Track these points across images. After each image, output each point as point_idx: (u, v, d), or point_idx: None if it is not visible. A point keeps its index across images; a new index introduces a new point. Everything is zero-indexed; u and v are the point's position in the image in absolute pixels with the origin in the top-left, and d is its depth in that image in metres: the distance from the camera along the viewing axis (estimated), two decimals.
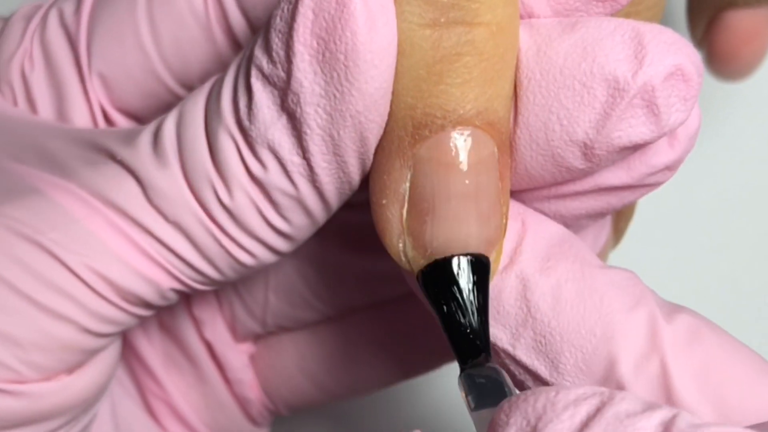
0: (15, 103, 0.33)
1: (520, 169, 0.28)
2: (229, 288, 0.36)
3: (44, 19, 0.33)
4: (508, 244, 0.27)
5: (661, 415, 0.22)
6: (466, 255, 0.26)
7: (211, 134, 0.28)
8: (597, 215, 0.29)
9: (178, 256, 0.29)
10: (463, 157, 0.26)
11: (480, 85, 0.26)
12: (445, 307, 0.26)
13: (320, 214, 0.28)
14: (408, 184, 0.26)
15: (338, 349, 0.36)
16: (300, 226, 0.28)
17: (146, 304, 0.30)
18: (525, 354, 0.27)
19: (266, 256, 0.29)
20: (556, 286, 0.27)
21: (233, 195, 0.28)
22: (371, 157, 0.27)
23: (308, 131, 0.27)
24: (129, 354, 0.36)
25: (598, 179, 0.28)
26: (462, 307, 0.26)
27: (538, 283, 0.27)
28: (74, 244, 0.28)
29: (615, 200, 0.29)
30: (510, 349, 0.27)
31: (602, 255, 0.35)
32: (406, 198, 0.27)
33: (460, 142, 0.26)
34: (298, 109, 0.26)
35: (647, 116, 0.26)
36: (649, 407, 0.22)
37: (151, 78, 0.32)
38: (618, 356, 0.26)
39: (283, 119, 0.27)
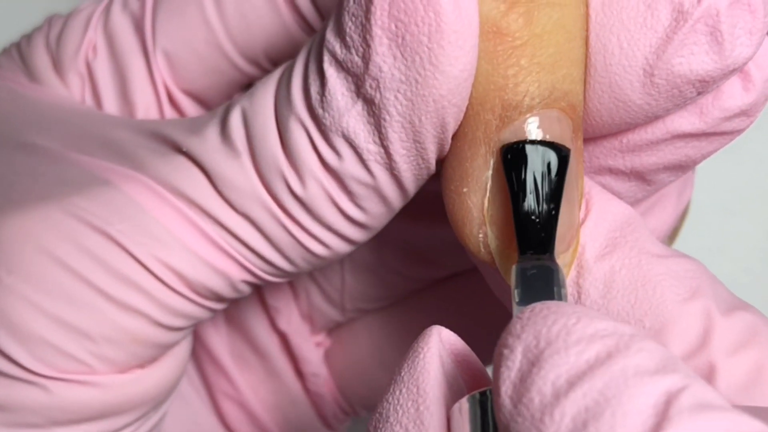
0: (82, 93, 0.32)
1: None
2: (303, 275, 0.35)
3: (107, 9, 0.32)
4: None
5: (670, 382, 0.20)
6: (552, 144, 0.25)
7: (281, 123, 0.27)
8: (676, 168, 0.28)
9: (248, 247, 0.28)
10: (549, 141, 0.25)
11: (567, 65, 0.25)
12: (518, 189, 0.25)
13: (397, 202, 0.27)
14: (491, 172, 0.25)
15: (413, 329, 0.34)
16: (376, 214, 0.27)
17: (218, 297, 0.29)
18: None
19: (340, 246, 0.28)
20: (610, 272, 0.26)
21: (306, 185, 0.27)
22: (449, 141, 0.26)
23: (387, 117, 0.25)
24: (198, 348, 0.35)
25: (669, 125, 0.27)
26: (534, 193, 0.25)
27: (592, 269, 0.26)
28: (142, 234, 0.27)
29: (693, 151, 0.28)
30: None
31: (683, 214, 0.34)
32: (488, 186, 0.26)
33: (547, 124, 0.25)
34: (378, 95, 0.25)
35: (710, 44, 0.25)
36: (663, 368, 0.20)
37: (215, 52, 0.32)
38: None
39: (358, 106, 0.26)
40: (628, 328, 0.21)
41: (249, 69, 0.32)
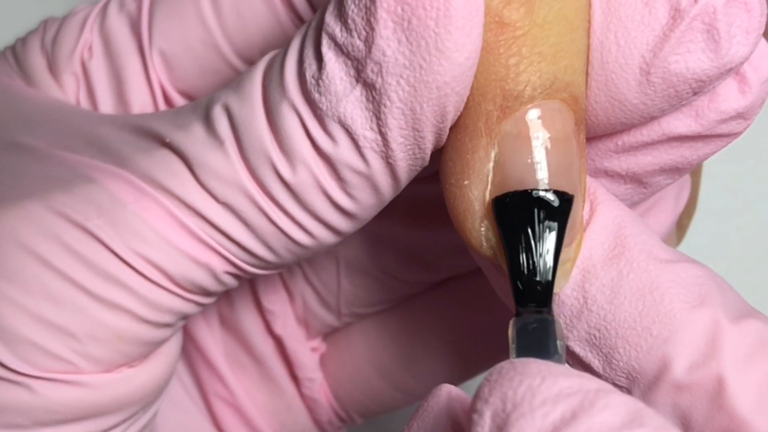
0: (77, 94, 0.32)
1: None
2: (299, 278, 0.35)
3: (104, 10, 0.32)
4: None
5: None
6: (548, 191, 0.25)
7: (271, 108, 0.26)
8: (673, 171, 0.28)
9: (230, 238, 0.27)
10: (551, 132, 0.25)
11: (569, 56, 0.25)
12: (514, 242, 0.25)
13: (388, 192, 0.27)
14: (492, 164, 0.25)
15: (407, 333, 0.35)
16: (365, 204, 0.27)
17: (203, 290, 0.28)
18: (578, 346, 0.26)
19: (326, 236, 0.28)
20: (617, 278, 0.26)
21: (296, 170, 0.26)
22: (447, 132, 0.26)
23: (388, 103, 0.25)
24: (192, 350, 0.35)
25: (665, 127, 0.27)
26: (532, 246, 0.25)
27: (599, 274, 0.26)
28: (121, 229, 0.27)
29: (689, 153, 0.27)
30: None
31: (690, 213, 0.34)
32: (490, 179, 0.25)
33: (548, 115, 0.25)
34: (379, 80, 0.25)
35: (707, 42, 0.25)
36: (630, 422, 0.20)
37: (212, 52, 0.31)
38: (673, 359, 0.25)
39: (357, 91, 0.25)
40: (594, 383, 0.21)
41: (245, 69, 0.31)
